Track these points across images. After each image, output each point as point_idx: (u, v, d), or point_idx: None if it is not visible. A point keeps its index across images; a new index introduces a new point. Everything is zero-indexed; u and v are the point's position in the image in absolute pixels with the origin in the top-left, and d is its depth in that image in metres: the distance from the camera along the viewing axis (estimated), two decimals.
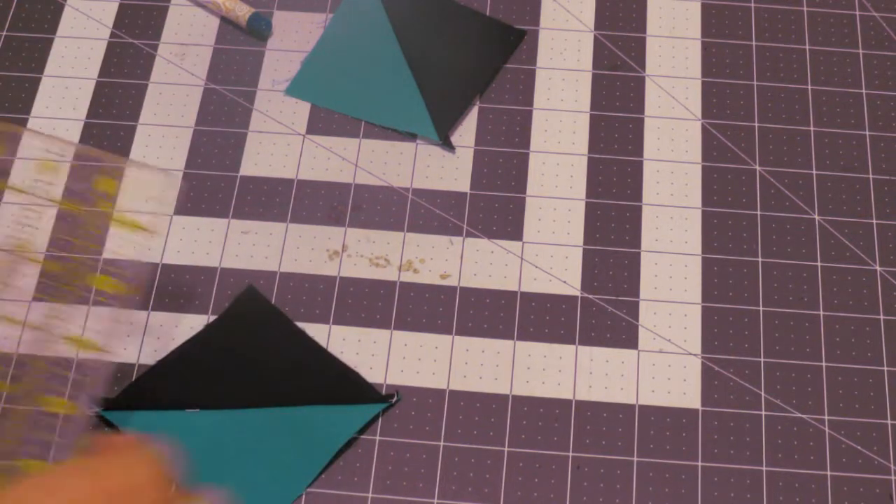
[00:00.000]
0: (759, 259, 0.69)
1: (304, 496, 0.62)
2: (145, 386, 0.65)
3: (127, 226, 0.65)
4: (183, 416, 0.64)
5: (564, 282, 0.69)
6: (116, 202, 0.70)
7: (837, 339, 0.67)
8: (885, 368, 0.66)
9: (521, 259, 0.69)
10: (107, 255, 0.69)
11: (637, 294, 0.68)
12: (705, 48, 0.77)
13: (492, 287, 0.68)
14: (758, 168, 0.72)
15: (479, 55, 0.76)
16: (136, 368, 0.66)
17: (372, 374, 0.65)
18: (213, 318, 0.67)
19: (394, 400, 0.65)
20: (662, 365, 0.66)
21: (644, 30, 0.77)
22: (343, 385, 0.65)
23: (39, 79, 0.76)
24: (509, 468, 0.63)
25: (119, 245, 0.69)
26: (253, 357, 0.65)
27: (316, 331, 0.67)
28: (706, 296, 0.68)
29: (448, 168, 0.72)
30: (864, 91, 0.75)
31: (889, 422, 0.65)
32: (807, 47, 0.77)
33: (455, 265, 0.69)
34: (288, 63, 0.76)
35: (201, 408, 0.64)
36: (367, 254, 0.69)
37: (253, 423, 0.64)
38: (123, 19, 0.78)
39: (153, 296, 0.68)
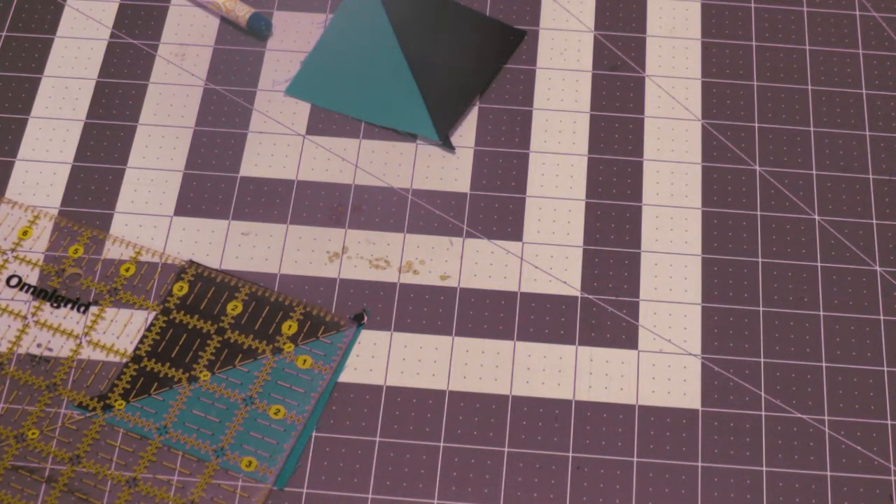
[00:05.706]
0: (759, 259, 0.69)
1: (303, 496, 0.62)
2: None
3: None
4: None
5: (564, 282, 0.69)
6: None
7: (837, 339, 0.67)
8: (885, 368, 0.66)
9: (521, 259, 0.69)
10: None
11: (637, 294, 0.68)
12: (705, 48, 0.76)
13: (492, 287, 0.68)
14: (758, 168, 0.72)
15: (479, 55, 0.76)
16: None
17: (372, 374, 0.65)
18: None
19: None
20: (662, 365, 0.66)
21: (644, 30, 0.77)
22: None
23: (39, 79, 0.76)
24: (509, 468, 0.63)
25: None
26: None
27: None
28: (706, 296, 0.68)
29: (448, 168, 0.72)
30: (864, 91, 0.75)
31: (889, 422, 0.65)
32: (807, 47, 0.76)
33: (455, 266, 0.69)
34: (288, 63, 0.76)
35: None
36: (367, 255, 0.69)
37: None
38: (123, 19, 0.78)
39: None
